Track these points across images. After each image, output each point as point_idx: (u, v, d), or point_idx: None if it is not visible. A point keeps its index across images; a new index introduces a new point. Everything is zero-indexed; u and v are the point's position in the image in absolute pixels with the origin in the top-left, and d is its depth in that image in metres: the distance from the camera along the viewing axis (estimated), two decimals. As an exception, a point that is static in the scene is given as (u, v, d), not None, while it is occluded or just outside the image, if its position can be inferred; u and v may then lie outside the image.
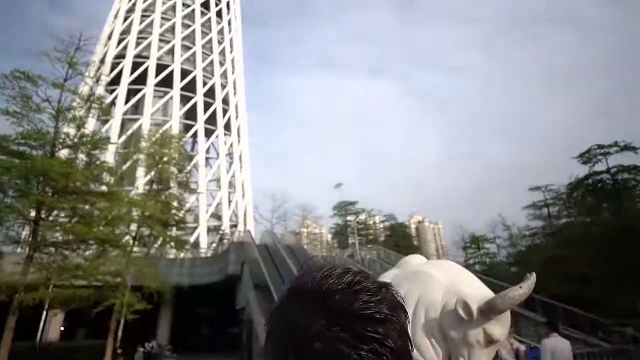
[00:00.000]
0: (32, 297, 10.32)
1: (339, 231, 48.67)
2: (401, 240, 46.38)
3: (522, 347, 6.27)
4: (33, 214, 11.86)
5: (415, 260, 3.21)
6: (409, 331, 0.47)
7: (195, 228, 37.88)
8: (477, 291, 2.53)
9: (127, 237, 17.42)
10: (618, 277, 19.44)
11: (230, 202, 43.63)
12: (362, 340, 0.41)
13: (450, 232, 58.64)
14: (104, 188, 13.73)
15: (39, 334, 18.36)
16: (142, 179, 25.88)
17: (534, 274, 2.56)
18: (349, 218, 47.99)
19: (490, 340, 2.41)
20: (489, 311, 2.47)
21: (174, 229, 22.71)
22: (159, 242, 22.30)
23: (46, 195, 11.72)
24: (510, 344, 6.17)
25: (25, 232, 14.36)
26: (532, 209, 29.96)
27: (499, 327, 2.48)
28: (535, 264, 23.40)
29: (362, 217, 50.34)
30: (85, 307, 14.31)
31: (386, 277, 3.17)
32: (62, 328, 20.98)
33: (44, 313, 17.96)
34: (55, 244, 12.17)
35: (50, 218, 12.46)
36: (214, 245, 36.69)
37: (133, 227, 18.18)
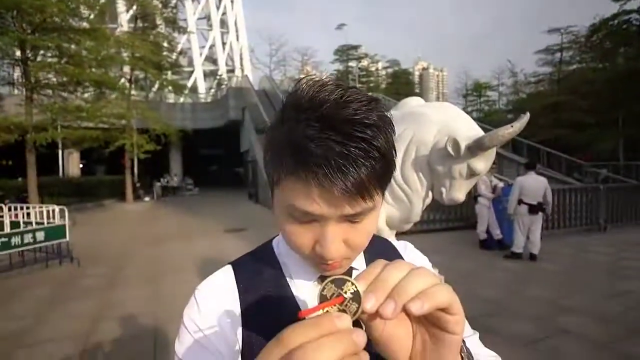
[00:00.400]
0: (44, 137, 10.83)
1: (340, 78, 47.22)
2: (403, 88, 45.53)
3: (500, 184, 6.94)
4: (19, 53, 11.43)
5: (413, 101, 3.20)
6: (395, 143, 0.50)
7: (191, 72, 36.69)
8: (468, 131, 2.60)
9: (122, 80, 17.22)
10: (611, 124, 19.99)
11: (224, 44, 40.79)
12: (352, 140, 0.44)
13: (454, 80, 56.85)
14: (85, 25, 12.67)
15: (60, 170, 20.04)
16: (124, 15, 23.56)
17: (527, 114, 2.58)
18: (350, 64, 45.87)
19: (472, 174, 2.61)
20: (476, 148, 2.57)
21: (169, 72, 22.04)
22: (156, 86, 22.02)
23: (26, 33, 11.02)
24: (490, 181, 6.81)
25: (17, 74, 14.09)
26: (545, 54, 28.35)
27: (482, 162, 2.63)
28: (533, 110, 23.65)
29: (365, 63, 48.06)
30: (97, 147, 15.32)
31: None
32: (80, 165, 22.78)
33: (60, 152, 19.20)
34: (50, 85, 12.05)
35: (39, 59, 11.99)
36: (212, 90, 36.16)
37: (127, 69, 17.78)
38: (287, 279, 0.59)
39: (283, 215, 0.51)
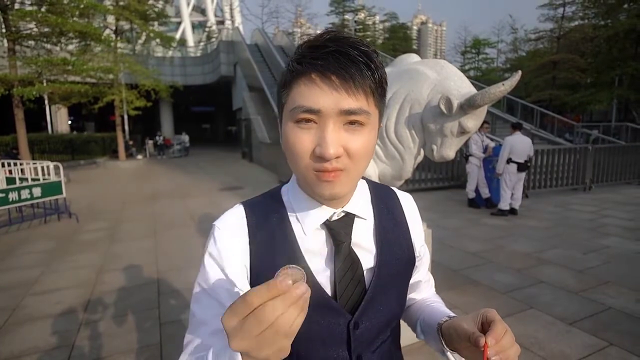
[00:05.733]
0: (31, 91, 10.50)
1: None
2: (400, 43, 44.11)
3: (492, 144, 7.04)
4: (-4, 1, 10.78)
5: (409, 58, 3.17)
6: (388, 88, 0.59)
7: (179, 24, 35.04)
8: (462, 89, 2.63)
9: (107, 31, 16.46)
10: (606, 84, 19.90)
11: (213, -8, 38.64)
12: (353, 48, 0.53)
13: (452, 36, 55.01)
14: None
15: (49, 127, 19.64)
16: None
17: (519, 71, 2.60)
18: (346, 17, 43.92)
19: (462, 132, 2.68)
20: (468, 106, 2.61)
21: (156, 23, 21.01)
22: (142, 38, 21.13)
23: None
24: (482, 141, 6.90)
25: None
26: (547, 9, 27.45)
27: (473, 120, 2.69)
28: (530, 69, 23.48)
29: (362, 15, 46.08)
30: (86, 103, 14.94)
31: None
32: (69, 122, 22.31)
33: (48, 108, 18.70)
34: (32, 36, 11.51)
35: (17, 7, 11.33)
36: (202, 44, 34.76)
37: (111, 19, 16.95)
38: (292, 222, 0.65)
39: (288, 126, 0.56)
